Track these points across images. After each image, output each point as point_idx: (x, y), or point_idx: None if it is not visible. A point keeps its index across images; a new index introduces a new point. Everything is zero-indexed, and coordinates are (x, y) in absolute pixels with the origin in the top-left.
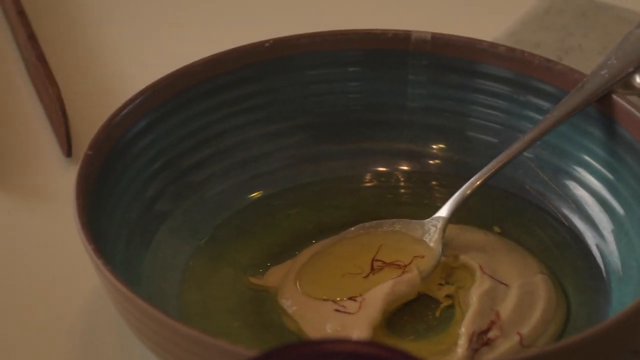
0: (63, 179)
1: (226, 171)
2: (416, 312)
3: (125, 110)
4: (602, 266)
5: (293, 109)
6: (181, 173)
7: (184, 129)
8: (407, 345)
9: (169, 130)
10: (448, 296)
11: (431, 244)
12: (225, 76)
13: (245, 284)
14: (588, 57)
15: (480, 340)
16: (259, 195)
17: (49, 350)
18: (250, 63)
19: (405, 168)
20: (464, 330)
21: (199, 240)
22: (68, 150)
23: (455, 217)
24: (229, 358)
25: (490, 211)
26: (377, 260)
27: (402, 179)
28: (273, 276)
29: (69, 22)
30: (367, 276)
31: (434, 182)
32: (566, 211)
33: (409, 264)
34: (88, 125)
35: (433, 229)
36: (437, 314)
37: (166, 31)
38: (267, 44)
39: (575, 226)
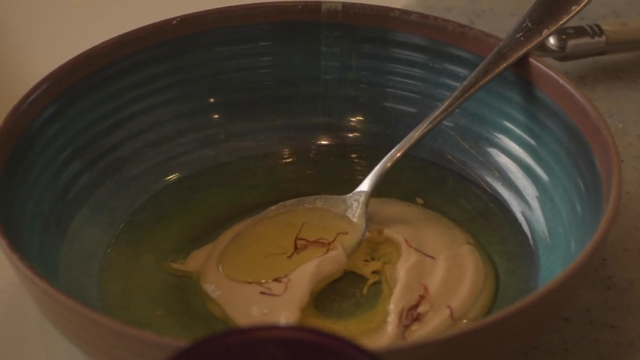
0: None
1: (140, 154)
2: (343, 290)
3: (31, 98)
4: (528, 234)
5: (205, 87)
6: (93, 159)
7: (94, 113)
8: (336, 325)
9: (78, 115)
10: (374, 272)
11: (354, 220)
12: (134, 56)
13: (167, 270)
14: (500, 20)
15: (410, 316)
16: (175, 178)
17: None
18: (159, 42)
19: (323, 142)
20: (392, 306)
21: (116, 227)
22: None
23: (377, 190)
24: (155, 349)
25: (412, 182)
26: (301, 239)
27: (321, 154)
28: (195, 261)
29: None
30: (291, 256)
31: (353, 156)
32: (489, 179)
33: (333, 241)
34: None
35: (355, 204)
36: (365, 291)
37: (71, 13)
38: (174, 22)
39: (499, 194)
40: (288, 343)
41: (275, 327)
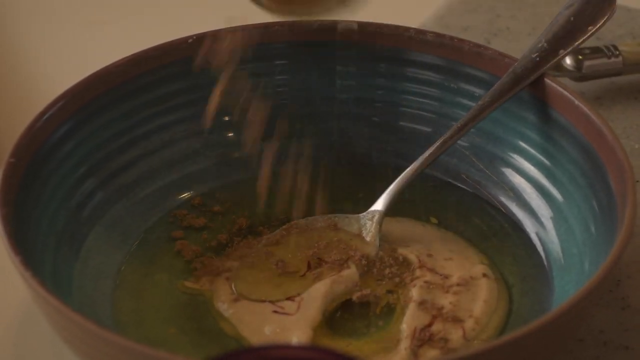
0: None
1: (155, 172)
2: (356, 309)
3: (47, 115)
4: (542, 254)
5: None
6: (108, 176)
7: (109, 131)
8: (349, 345)
9: (93, 133)
10: (388, 292)
11: (368, 239)
12: (149, 75)
13: (180, 289)
14: (517, 39)
15: (423, 336)
16: (189, 196)
17: None
18: (174, 60)
19: (338, 161)
20: (405, 326)
21: (130, 245)
22: None
23: (391, 209)
24: None
25: (427, 202)
26: (314, 258)
27: (335, 173)
28: (208, 278)
29: None
30: (304, 275)
31: (368, 174)
32: (504, 199)
33: (347, 260)
34: (9, 131)
35: (369, 223)
36: (378, 310)
37: (86, 31)
38: (190, 40)
39: (513, 214)
40: None
41: (287, 347)
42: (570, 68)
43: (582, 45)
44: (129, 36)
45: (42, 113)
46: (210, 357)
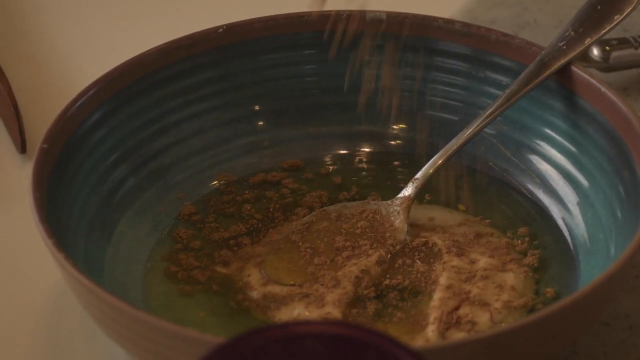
0: (19, 177)
1: (185, 160)
2: (384, 294)
3: (79, 102)
4: (569, 240)
5: (250, 94)
6: (139, 164)
7: (140, 118)
8: (376, 326)
9: (125, 120)
10: (416, 276)
11: (396, 225)
12: (180, 64)
13: (210, 274)
14: (544, 32)
15: (450, 319)
16: (219, 183)
17: (14, 348)
18: (204, 50)
19: (366, 149)
20: (433, 309)
21: (161, 231)
22: (22, 146)
23: (419, 196)
24: (197, 347)
25: (454, 189)
26: (343, 243)
27: (363, 161)
28: (238, 263)
29: (16, 16)
30: (333, 260)
31: (396, 163)
32: (530, 186)
33: (375, 246)
34: (41, 120)
35: (397, 209)
36: (406, 294)
37: (117, 20)
38: (220, 30)
39: (540, 200)
40: (328, 338)
41: (314, 322)
42: (597, 59)
43: (609, 36)
44: (160, 26)
45: (75, 100)
46: (237, 334)
